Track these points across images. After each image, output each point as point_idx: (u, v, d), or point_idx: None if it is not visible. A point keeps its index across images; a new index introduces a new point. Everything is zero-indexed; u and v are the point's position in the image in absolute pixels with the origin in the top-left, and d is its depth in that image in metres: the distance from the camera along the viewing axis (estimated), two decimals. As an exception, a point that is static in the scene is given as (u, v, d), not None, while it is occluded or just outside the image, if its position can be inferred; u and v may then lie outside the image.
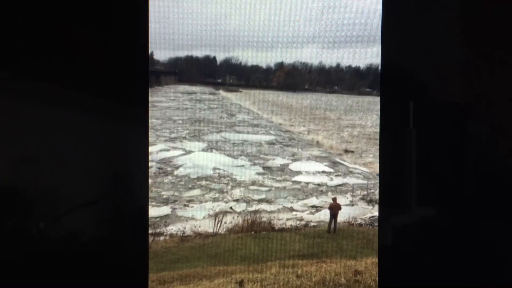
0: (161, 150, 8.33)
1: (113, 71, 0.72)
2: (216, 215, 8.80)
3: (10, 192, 0.73)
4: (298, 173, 9.87)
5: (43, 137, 0.71)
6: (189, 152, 8.52)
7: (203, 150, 8.42)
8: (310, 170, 9.71)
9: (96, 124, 0.72)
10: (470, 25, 0.81)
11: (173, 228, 8.32)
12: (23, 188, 0.72)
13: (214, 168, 8.32)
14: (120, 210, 0.76)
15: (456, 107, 0.88)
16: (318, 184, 9.54)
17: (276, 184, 9.35)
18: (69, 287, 0.74)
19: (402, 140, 0.86)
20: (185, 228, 8.44)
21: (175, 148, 8.33)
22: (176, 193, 9.39)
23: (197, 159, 8.19)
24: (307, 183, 9.49)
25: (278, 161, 10.01)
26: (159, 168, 8.62)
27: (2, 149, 0.70)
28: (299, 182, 9.47)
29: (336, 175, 9.78)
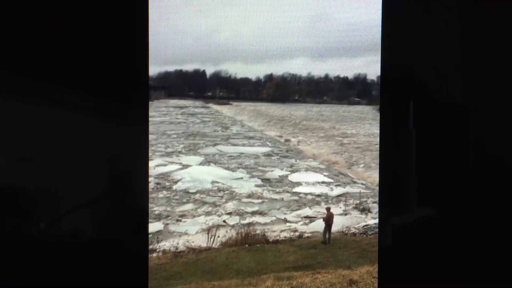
0: (158, 165, 8.22)
1: (113, 71, 0.72)
2: (209, 229, 8.69)
3: (10, 192, 0.71)
4: (298, 184, 9.82)
5: (43, 137, 0.70)
6: (186, 166, 8.43)
7: (201, 164, 8.34)
8: (309, 181, 9.67)
9: (96, 124, 0.72)
10: (470, 25, 0.82)
11: (166, 244, 8.18)
12: (23, 188, 0.71)
13: (213, 182, 8.23)
14: (120, 210, 0.75)
15: (456, 107, 0.89)
16: (319, 195, 9.50)
17: (276, 196, 9.26)
18: (69, 287, 0.72)
19: (402, 140, 0.87)
20: (178, 243, 8.31)
21: (172, 162, 8.24)
22: (168, 208, 9.28)
23: (195, 173, 8.11)
24: (306, 194, 9.44)
25: (277, 173, 9.95)
26: (157, 184, 8.46)
27: (2, 149, 0.69)
28: (299, 193, 9.41)
29: (336, 185, 9.78)
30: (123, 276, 0.74)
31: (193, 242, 8.44)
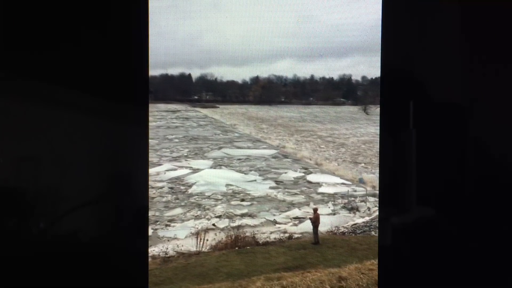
0: (168, 170, 8.02)
1: (113, 71, 0.74)
2: (198, 233, 8.58)
3: (9, 192, 0.72)
4: (319, 184, 9.73)
5: (43, 137, 0.71)
6: (197, 170, 8.26)
7: (211, 167, 8.18)
8: (329, 182, 9.60)
9: (96, 124, 0.73)
10: (470, 25, 0.85)
11: (155, 250, 8.05)
12: (23, 188, 0.71)
13: (227, 185, 8.06)
14: (120, 210, 0.76)
15: (456, 107, 0.91)
16: (345, 195, 9.48)
17: (292, 198, 9.09)
18: (68, 287, 0.73)
19: (402, 140, 0.89)
20: (167, 248, 8.19)
21: (181, 167, 8.05)
22: (157, 213, 9.15)
23: (208, 176, 7.92)
24: (333, 194, 9.36)
25: (291, 174, 9.74)
26: (171, 188, 8.19)
27: (2, 149, 0.70)
28: (323, 194, 9.36)
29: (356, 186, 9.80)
30: (123, 276, 0.75)
31: (182, 246, 8.32)
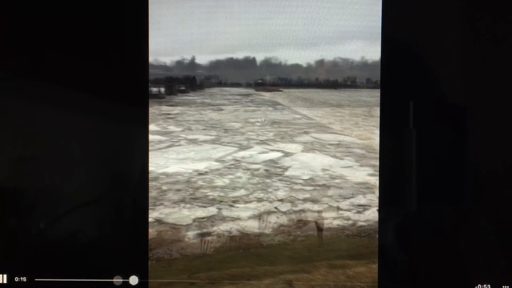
0: (260, 153, 7.83)
1: (113, 70, 0.75)
2: (260, 215, 8.48)
3: (9, 192, 0.76)
4: None
5: (42, 137, 0.74)
6: (289, 154, 8.01)
7: (303, 151, 7.91)
8: None
9: (96, 124, 0.75)
10: (471, 24, 0.80)
11: (220, 228, 8.05)
12: (23, 188, 0.75)
13: (323, 169, 7.77)
14: (120, 210, 0.78)
15: (456, 107, 0.89)
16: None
17: None
18: (67, 287, 0.76)
19: (402, 140, 0.88)
20: (231, 228, 8.16)
21: (272, 150, 7.85)
22: (222, 194, 9.16)
23: (302, 160, 7.69)
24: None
25: None
26: (266, 170, 7.99)
27: (1, 149, 0.74)
28: None
29: None
30: (123, 276, 0.77)
31: (245, 227, 8.27)
